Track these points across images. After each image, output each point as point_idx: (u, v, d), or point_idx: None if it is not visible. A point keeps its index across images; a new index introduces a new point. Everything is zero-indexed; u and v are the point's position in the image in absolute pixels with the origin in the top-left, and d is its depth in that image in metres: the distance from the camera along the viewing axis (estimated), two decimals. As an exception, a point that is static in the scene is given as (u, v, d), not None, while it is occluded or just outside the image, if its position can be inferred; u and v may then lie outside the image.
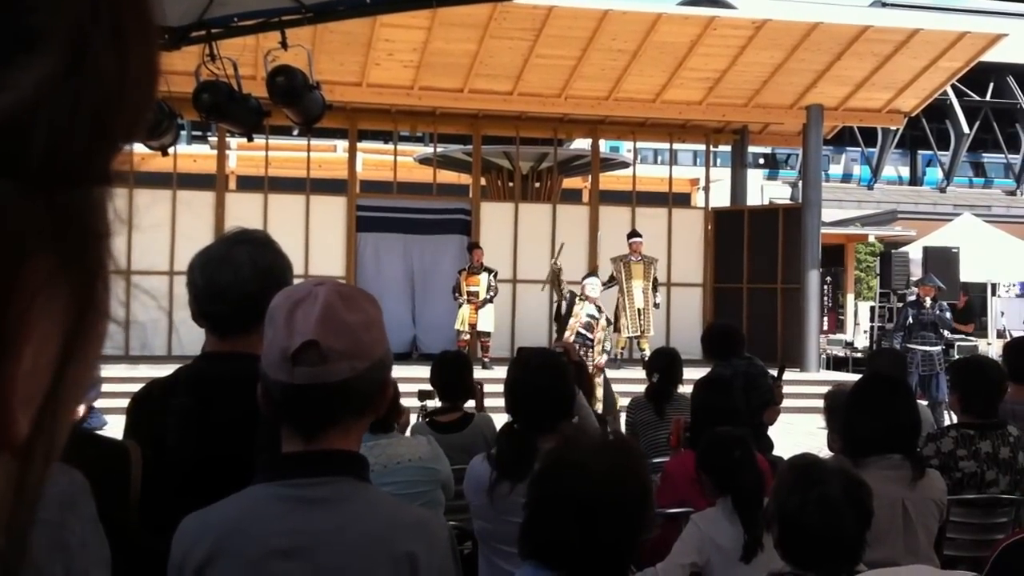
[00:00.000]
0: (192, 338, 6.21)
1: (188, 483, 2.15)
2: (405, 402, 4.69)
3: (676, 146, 21.57)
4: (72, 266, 0.43)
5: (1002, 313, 24.85)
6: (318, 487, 1.86)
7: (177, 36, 8.96)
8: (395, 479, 4.21)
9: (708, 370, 6.80)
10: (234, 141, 20.74)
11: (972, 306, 22.95)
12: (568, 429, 3.69)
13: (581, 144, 24.30)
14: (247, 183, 21.68)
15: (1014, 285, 28.92)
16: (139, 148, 12.43)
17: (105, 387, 11.68)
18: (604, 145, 22.71)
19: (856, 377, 5.45)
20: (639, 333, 17.32)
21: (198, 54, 9.58)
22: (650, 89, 18.54)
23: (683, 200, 24.85)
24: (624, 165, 23.23)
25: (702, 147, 22.07)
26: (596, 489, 2.38)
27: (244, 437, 2.02)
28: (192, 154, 23.94)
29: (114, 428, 3.45)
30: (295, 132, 18.40)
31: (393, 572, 1.85)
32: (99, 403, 12.00)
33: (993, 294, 24.85)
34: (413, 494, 4.11)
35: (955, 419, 5.45)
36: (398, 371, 2.25)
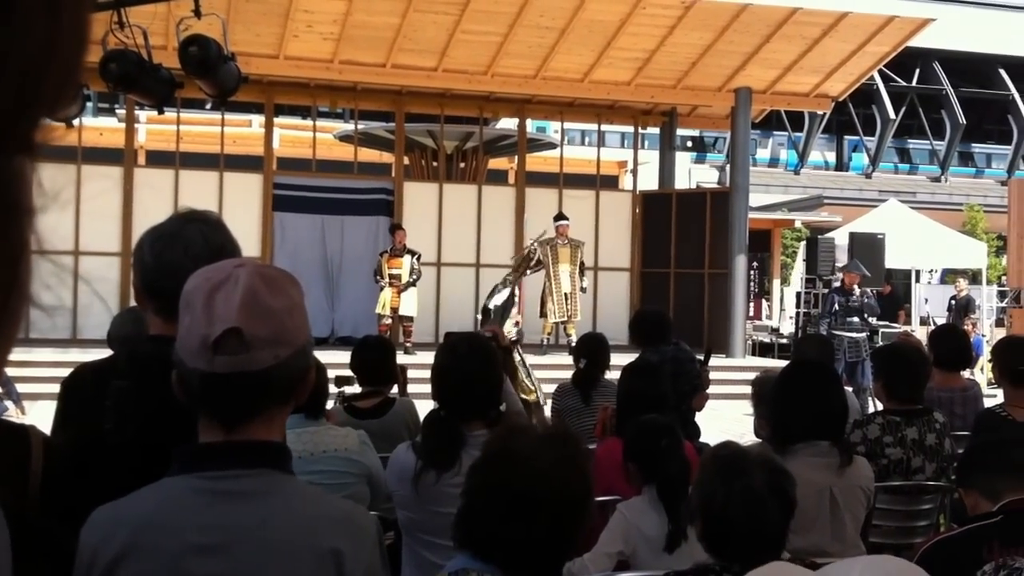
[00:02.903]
0: (99, 321, 5.91)
1: (125, 469, 2.07)
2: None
3: (604, 127, 21.54)
4: None
5: (926, 300, 25.19)
6: (239, 479, 1.81)
7: (83, 1, 8.61)
8: (319, 468, 4.18)
9: (635, 356, 6.75)
10: (144, 114, 20.30)
11: (897, 294, 23.20)
12: (511, 418, 3.71)
13: (507, 124, 24.13)
14: (157, 158, 21.28)
15: (936, 272, 29.36)
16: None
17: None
18: (531, 125, 22.59)
19: (783, 363, 5.40)
20: (566, 318, 17.23)
21: (105, 21, 9.30)
22: (578, 68, 18.43)
23: (611, 183, 24.86)
24: (551, 146, 23.15)
25: (630, 129, 22.02)
26: (539, 482, 2.34)
27: (186, 424, 1.93)
28: (99, 127, 23.50)
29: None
30: (208, 105, 18.07)
31: (317, 569, 1.80)
32: None
33: (917, 281, 25.17)
34: (336, 485, 4.07)
35: (880, 406, 5.47)
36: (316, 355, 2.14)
